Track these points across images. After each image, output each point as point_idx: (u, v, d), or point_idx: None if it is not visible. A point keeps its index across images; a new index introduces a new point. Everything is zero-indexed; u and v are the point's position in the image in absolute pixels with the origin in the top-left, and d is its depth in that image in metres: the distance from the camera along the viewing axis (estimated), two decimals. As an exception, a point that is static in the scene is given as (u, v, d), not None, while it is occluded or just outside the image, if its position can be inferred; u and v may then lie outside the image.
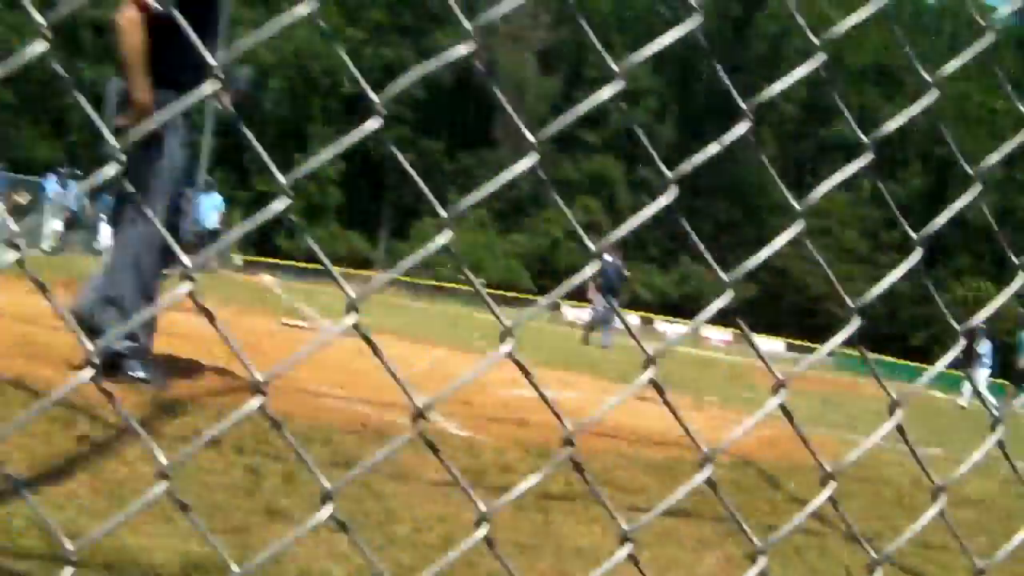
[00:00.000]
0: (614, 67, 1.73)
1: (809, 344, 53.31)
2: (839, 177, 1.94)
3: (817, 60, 1.84)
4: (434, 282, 58.26)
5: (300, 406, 5.00)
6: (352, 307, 1.44)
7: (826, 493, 1.82)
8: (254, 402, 1.30)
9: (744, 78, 74.28)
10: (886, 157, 74.50)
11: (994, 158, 2.11)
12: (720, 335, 55.37)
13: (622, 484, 4.55)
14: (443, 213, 1.59)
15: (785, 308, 67.32)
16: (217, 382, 5.34)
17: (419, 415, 1.39)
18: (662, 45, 1.90)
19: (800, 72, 1.88)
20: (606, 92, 1.73)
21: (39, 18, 1.35)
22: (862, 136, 1.93)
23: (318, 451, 4.14)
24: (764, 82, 1.97)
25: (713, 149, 1.81)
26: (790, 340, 54.98)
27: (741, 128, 1.82)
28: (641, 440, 5.45)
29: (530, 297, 56.73)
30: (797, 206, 1.95)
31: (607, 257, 20.44)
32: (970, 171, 2.02)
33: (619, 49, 76.22)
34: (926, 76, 1.93)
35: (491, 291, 60.97)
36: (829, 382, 22.49)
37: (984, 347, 22.30)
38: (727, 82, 1.86)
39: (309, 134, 68.16)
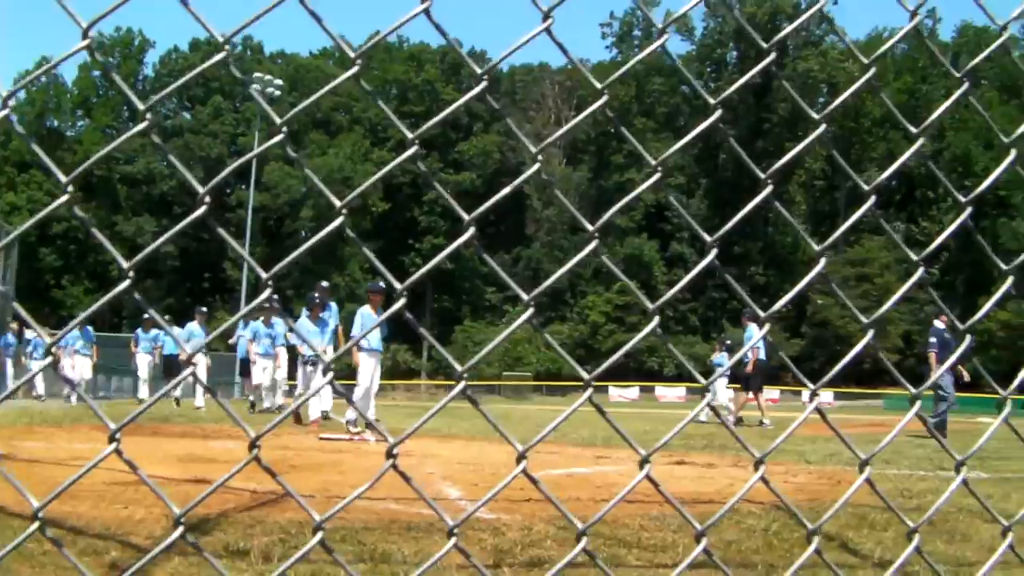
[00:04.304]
0: (651, 161, 1.85)
1: (856, 391, 53.19)
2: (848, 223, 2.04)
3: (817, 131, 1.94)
4: (480, 381, 59.93)
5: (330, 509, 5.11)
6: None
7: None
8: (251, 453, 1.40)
9: (765, 144, 75.07)
10: (916, 198, 74.27)
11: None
12: (767, 394, 55.28)
13: (650, 544, 4.59)
14: (513, 285, 1.72)
15: (830, 359, 66.77)
16: (246, 497, 5.50)
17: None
18: (688, 139, 2.06)
19: (805, 143, 1.99)
20: (646, 185, 1.86)
21: (62, 176, 1.50)
22: (863, 184, 2.03)
23: (345, 549, 4.20)
24: (788, 143, 2.07)
25: (744, 212, 1.91)
26: (838, 390, 55.06)
27: (763, 194, 1.93)
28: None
29: (576, 384, 57.01)
30: (816, 246, 2.05)
31: (940, 325, 17.24)
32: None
33: (643, 132, 77.30)
34: (813, 115, 2.01)
35: (538, 382, 61.42)
36: (878, 424, 22.20)
37: (721, 359, 23.62)
38: (744, 156, 1.96)
39: (345, 255, 69.31)
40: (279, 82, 56.24)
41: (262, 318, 20.92)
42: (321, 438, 12.24)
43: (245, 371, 26.43)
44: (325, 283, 17.03)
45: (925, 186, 74.42)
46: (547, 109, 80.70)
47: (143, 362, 26.50)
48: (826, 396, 56.18)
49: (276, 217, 77.21)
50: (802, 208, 77.24)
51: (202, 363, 23.85)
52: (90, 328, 27.04)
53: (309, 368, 17.04)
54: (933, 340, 16.99)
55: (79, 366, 26.28)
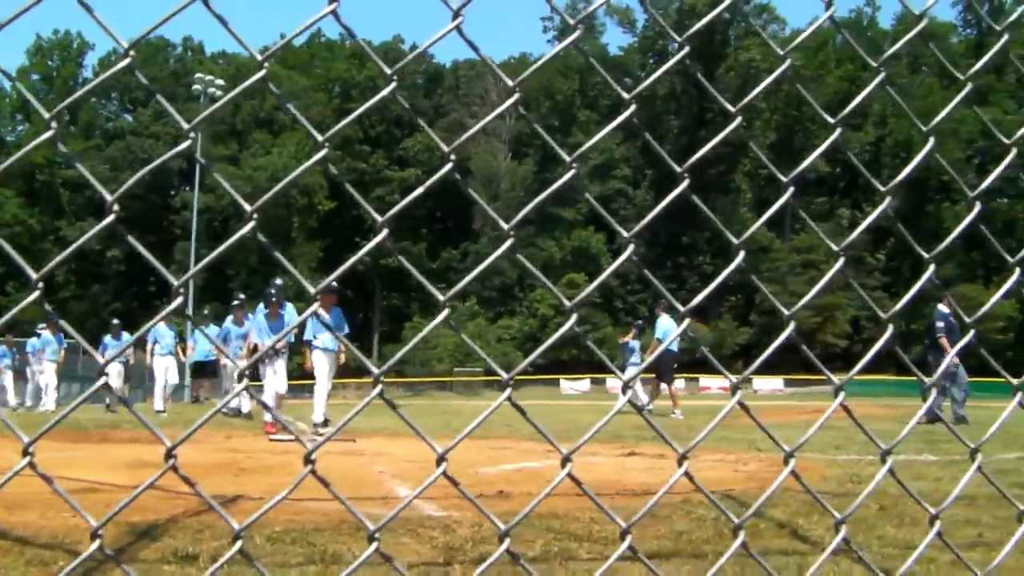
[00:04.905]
0: (565, 157, 1.89)
1: (806, 377, 53.62)
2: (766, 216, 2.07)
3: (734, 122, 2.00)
4: (431, 378, 60.10)
5: (279, 511, 4.93)
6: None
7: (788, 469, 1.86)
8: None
9: (708, 134, 75.62)
10: (860, 185, 75.18)
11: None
12: (720, 383, 55.62)
13: (600, 537, 4.61)
14: (440, 297, 1.76)
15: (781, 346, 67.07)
16: (195, 503, 5.41)
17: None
18: (603, 134, 2.09)
19: (720, 136, 2.05)
20: (563, 179, 1.90)
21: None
22: (781, 176, 2.07)
23: (295, 551, 4.20)
24: (731, 132, 2.11)
25: (656, 211, 1.97)
26: (787, 376, 55.67)
27: (678, 189, 2.01)
28: (622, 493, 5.54)
29: (527, 378, 56.85)
30: (735, 240, 2.11)
31: (945, 309, 16.40)
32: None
33: (586, 125, 77.50)
34: (729, 107, 2.03)
35: (487, 378, 61.55)
36: (824, 411, 22.31)
37: (633, 344, 24.39)
38: (660, 151, 2.00)
39: (292, 255, 68.85)
40: (220, 82, 55.84)
41: (231, 318, 20.31)
42: (272, 439, 12.17)
43: (197, 373, 26.04)
44: (280, 281, 16.21)
45: (869, 173, 75.30)
46: (491, 104, 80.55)
47: (115, 373, 22.22)
48: (776, 383, 56.87)
49: (221, 219, 76.49)
50: (747, 197, 77.77)
51: (172, 366, 23.16)
52: (62, 335, 26.36)
53: (268, 367, 14.98)
54: (940, 324, 16.30)
55: (47, 372, 25.83)
